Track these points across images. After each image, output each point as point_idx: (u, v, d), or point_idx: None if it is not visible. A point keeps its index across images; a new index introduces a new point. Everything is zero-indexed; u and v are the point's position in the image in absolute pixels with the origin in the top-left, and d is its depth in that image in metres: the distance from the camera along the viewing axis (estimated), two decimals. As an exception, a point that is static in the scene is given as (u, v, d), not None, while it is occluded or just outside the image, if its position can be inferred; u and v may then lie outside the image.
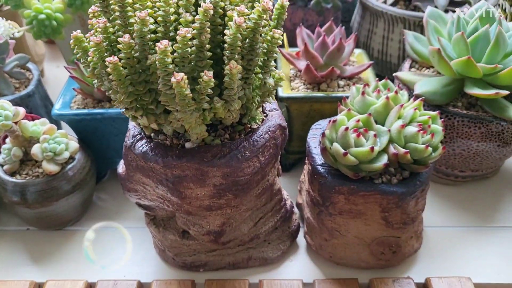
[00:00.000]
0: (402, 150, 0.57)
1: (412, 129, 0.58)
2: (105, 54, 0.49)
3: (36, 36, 0.79)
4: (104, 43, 0.49)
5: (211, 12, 0.47)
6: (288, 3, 0.53)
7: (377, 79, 0.69)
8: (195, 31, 0.47)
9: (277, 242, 0.68)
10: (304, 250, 0.70)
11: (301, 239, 0.71)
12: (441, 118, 0.66)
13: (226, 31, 0.48)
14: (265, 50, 0.52)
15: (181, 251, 0.66)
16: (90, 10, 0.52)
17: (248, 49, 0.50)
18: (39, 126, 0.69)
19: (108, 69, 0.47)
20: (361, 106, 0.63)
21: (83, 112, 0.72)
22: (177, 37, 0.46)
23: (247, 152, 0.55)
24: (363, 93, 0.62)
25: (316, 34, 0.79)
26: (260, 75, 0.54)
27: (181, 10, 0.49)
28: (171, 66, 0.46)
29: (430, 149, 0.58)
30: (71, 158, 0.70)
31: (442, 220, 0.74)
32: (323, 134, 0.60)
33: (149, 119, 0.53)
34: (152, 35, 0.48)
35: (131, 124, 0.59)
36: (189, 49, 0.47)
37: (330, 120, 0.61)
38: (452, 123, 0.69)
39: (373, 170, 0.58)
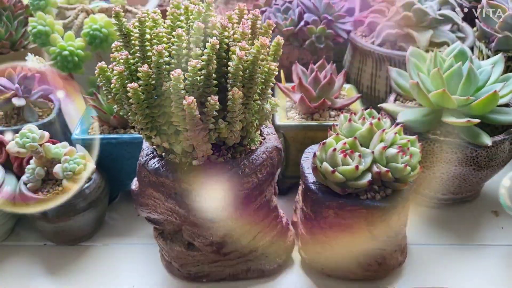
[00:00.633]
0: (384, 169, 0.65)
1: (392, 150, 0.66)
2: (126, 81, 0.58)
3: (59, 69, 0.88)
4: (125, 72, 0.58)
5: (217, 47, 0.56)
6: (283, 41, 0.62)
7: (362, 108, 0.77)
8: (203, 63, 0.55)
9: (274, 255, 0.75)
10: (298, 264, 0.76)
11: (296, 255, 0.78)
12: (421, 143, 0.73)
13: (229, 63, 0.57)
14: (263, 80, 0.61)
15: (186, 262, 0.72)
16: (113, 45, 0.61)
17: (248, 79, 0.58)
18: (61, 148, 0.77)
19: (129, 94, 0.56)
20: (348, 131, 0.70)
21: (99, 137, 0.80)
22: (188, 67, 0.55)
23: (246, 169, 0.63)
24: (349, 120, 0.71)
25: (309, 70, 0.88)
26: (258, 102, 0.62)
27: (192, 46, 0.58)
28: (183, 92, 0.54)
29: (408, 168, 0.65)
30: (88, 178, 0.78)
31: (426, 239, 0.81)
32: (314, 155, 0.68)
33: (162, 138, 0.61)
34: (167, 66, 0.57)
35: (145, 144, 0.67)
36: (198, 78, 0.56)
37: (320, 143, 0.68)
38: (432, 149, 0.77)
39: (359, 186, 0.65)
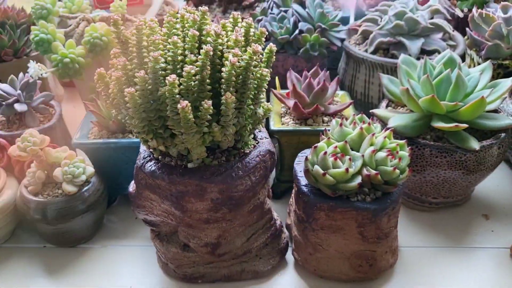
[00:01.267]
0: (373, 172, 0.67)
1: (382, 154, 0.68)
2: (124, 86, 0.60)
3: (61, 76, 0.91)
4: (123, 78, 0.60)
5: (211, 53, 0.58)
6: (275, 48, 0.65)
7: (353, 113, 0.79)
8: (198, 68, 0.58)
9: (268, 257, 0.77)
10: (292, 265, 0.78)
11: (289, 257, 0.79)
12: (412, 149, 0.75)
13: (223, 69, 0.59)
14: (255, 85, 0.63)
15: (181, 263, 0.74)
16: (111, 52, 0.63)
17: (241, 84, 0.61)
18: (61, 152, 0.79)
19: (126, 98, 0.58)
20: (339, 136, 0.73)
21: (98, 141, 0.83)
22: (183, 72, 0.57)
23: (240, 171, 0.65)
24: (341, 124, 0.73)
25: (303, 77, 0.90)
26: (251, 106, 0.65)
27: (187, 52, 0.60)
28: (178, 96, 0.57)
29: (397, 171, 0.67)
30: (87, 181, 0.80)
31: (417, 241, 0.82)
32: (306, 158, 0.70)
33: (158, 141, 0.63)
34: (163, 72, 0.59)
35: (142, 148, 0.69)
36: (192, 83, 0.58)
37: (312, 147, 0.71)
38: (422, 153, 0.79)
39: (349, 189, 0.67)
